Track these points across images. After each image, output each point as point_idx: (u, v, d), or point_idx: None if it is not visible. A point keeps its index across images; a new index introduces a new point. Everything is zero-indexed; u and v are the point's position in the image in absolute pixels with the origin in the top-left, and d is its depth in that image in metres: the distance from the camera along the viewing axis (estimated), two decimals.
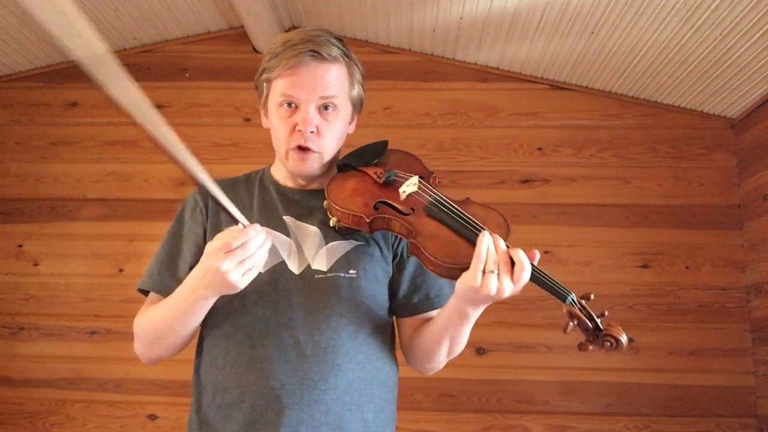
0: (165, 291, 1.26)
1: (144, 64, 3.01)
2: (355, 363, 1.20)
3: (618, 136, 2.88)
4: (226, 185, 1.35)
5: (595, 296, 1.13)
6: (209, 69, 2.99)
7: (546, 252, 2.79)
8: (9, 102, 3.00)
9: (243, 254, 1.06)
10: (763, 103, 2.62)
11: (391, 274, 1.30)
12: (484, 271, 1.06)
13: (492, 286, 1.05)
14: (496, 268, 1.06)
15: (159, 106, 2.93)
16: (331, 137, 1.28)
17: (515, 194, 2.85)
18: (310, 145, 1.25)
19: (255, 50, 2.93)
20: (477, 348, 2.76)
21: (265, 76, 1.29)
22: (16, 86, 3.01)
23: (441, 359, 1.27)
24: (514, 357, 2.76)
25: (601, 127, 2.89)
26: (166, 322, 1.21)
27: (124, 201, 2.91)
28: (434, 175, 1.30)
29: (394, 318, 1.34)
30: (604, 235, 2.81)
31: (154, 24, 2.84)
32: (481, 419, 2.73)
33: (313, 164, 1.28)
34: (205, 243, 1.27)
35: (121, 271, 2.85)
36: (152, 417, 2.76)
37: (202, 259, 1.11)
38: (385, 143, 1.36)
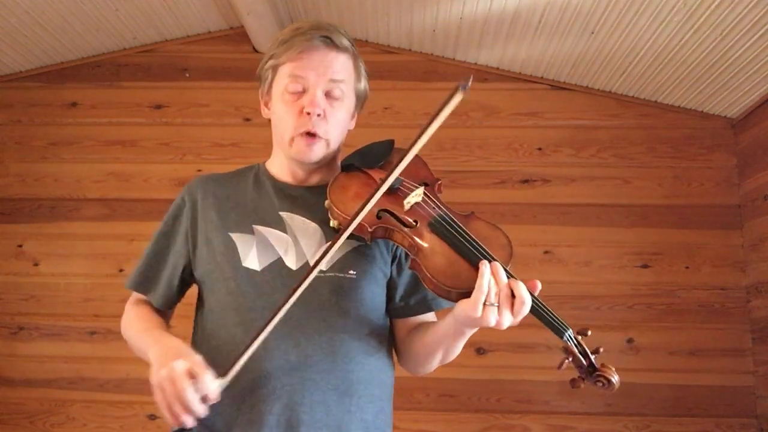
0: (149, 294, 1.31)
1: (144, 64, 3.01)
2: (355, 363, 1.20)
3: (618, 136, 2.88)
4: (218, 179, 1.36)
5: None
6: (209, 69, 2.99)
7: (546, 252, 2.79)
8: (9, 102, 3.00)
9: (188, 390, 1.03)
10: (763, 103, 2.62)
11: (389, 275, 1.29)
12: (484, 303, 1.05)
13: (491, 319, 1.05)
14: (497, 302, 1.05)
15: (159, 106, 2.98)
16: (336, 125, 1.27)
17: (515, 194, 2.85)
18: (317, 130, 1.24)
19: (255, 50, 2.93)
20: (477, 348, 2.76)
21: (271, 62, 1.28)
22: (16, 86, 3.01)
23: (434, 365, 1.29)
24: (514, 357, 2.76)
25: (601, 127, 2.89)
26: (138, 349, 1.26)
27: (124, 201, 2.91)
28: (440, 182, 1.28)
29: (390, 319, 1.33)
30: (604, 235, 2.81)
31: (154, 24, 2.84)
32: (481, 419, 2.72)
33: (319, 151, 1.26)
34: (193, 238, 1.28)
35: (121, 271, 2.84)
36: (152, 417, 2.76)
37: (181, 350, 1.10)
38: (391, 143, 1.34)
